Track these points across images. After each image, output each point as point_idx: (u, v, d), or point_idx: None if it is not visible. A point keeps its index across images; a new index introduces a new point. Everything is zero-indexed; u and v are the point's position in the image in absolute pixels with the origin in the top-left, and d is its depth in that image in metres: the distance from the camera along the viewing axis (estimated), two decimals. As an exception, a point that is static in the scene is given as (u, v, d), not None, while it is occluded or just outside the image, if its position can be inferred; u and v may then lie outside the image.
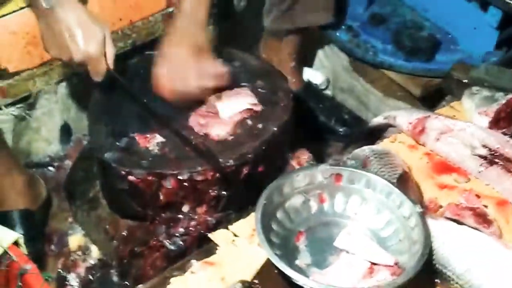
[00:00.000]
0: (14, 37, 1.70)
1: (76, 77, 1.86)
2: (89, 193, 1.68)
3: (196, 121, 1.52)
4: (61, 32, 1.35)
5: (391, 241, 1.21)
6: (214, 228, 1.40)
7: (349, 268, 1.15)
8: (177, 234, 1.49)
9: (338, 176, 1.27)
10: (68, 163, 1.90)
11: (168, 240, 1.50)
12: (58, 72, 1.83)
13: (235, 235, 1.26)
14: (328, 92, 2.17)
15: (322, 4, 1.95)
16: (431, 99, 1.84)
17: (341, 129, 2.04)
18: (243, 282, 1.11)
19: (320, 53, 2.19)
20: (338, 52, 2.14)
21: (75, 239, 1.72)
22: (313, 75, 2.14)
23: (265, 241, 1.14)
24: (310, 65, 2.19)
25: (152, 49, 1.83)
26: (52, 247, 1.74)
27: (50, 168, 1.92)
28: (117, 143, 1.48)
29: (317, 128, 2.05)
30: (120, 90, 1.51)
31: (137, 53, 1.84)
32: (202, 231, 1.46)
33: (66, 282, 1.62)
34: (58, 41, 1.36)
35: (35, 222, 1.70)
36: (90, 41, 1.36)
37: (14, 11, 1.68)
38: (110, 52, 1.41)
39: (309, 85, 2.11)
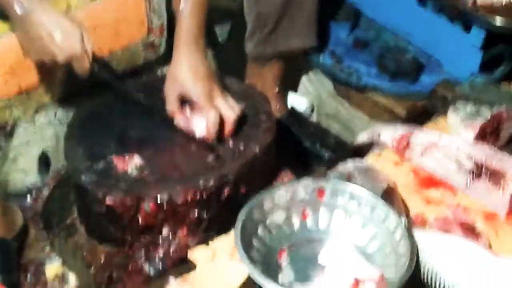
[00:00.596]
0: (-12, 68, 1.67)
1: (55, 106, 1.83)
2: (66, 220, 1.63)
3: None
4: (39, 35, 1.35)
5: (377, 256, 1.17)
6: (195, 251, 1.36)
7: (333, 283, 1.10)
8: (156, 258, 1.44)
9: (321, 191, 1.23)
10: (47, 193, 1.85)
11: (147, 264, 1.45)
12: (36, 101, 1.79)
13: (215, 252, 1.21)
14: (313, 118, 2.15)
15: (304, 29, 1.93)
16: (417, 120, 1.80)
17: (326, 154, 2.00)
18: (221, 299, 1.05)
19: (304, 79, 2.17)
20: (322, 77, 2.12)
21: (52, 268, 1.66)
22: (297, 101, 2.11)
23: (245, 256, 1.09)
24: (294, 91, 2.16)
25: (133, 77, 1.83)
26: (28, 277, 1.67)
27: (28, 199, 1.86)
28: (94, 166, 1.44)
29: (301, 154, 2.01)
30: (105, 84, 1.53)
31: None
32: (182, 254, 1.41)
33: (42, 312, 1.56)
34: (38, 45, 1.37)
35: (11, 252, 1.64)
36: (70, 40, 1.36)
37: (-10, 41, 1.65)
38: (89, 46, 1.41)
39: (293, 110, 2.08)
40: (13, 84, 1.70)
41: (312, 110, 2.16)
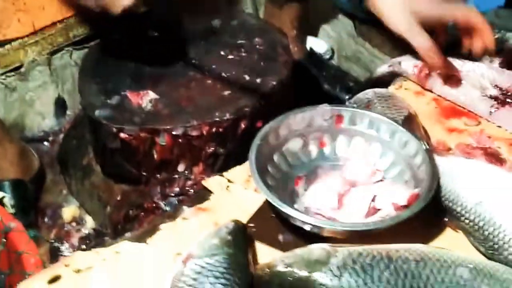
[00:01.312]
0: (3, 3, 1.64)
1: (71, 47, 1.81)
2: (83, 160, 1.61)
3: None
4: None
5: (396, 183, 1.13)
6: (211, 188, 1.33)
7: (352, 206, 1.07)
8: (172, 195, 1.42)
9: (339, 117, 1.19)
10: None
11: (163, 201, 1.43)
12: (52, 42, 1.77)
13: (230, 181, 1.18)
14: (333, 61, 2.10)
15: None
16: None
17: (346, 97, 1.96)
18: (236, 221, 1.02)
19: (323, 22, 2.12)
20: (343, 19, 2.07)
21: (69, 211, 1.65)
22: (317, 43, 2.07)
23: (259, 181, 1.06)
24: (313, 34, 2.11)
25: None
26: (45, 219, 1.66)
27: (45, 143, 1.85)
28: (108, 101, 1.42)
29: (321, 97, 1.96)
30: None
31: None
32: (199, 191, 1.39)
33: (59, 252, 1.55)
34: None
35: (27, 194, 1.63)
36: None
37: (2, -23, 1.62)
38: None
39: (312, 53, 2.03)
40: (27, 23, 1.68)
41: (332, 53, 2.11)
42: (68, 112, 1.88)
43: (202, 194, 1.17)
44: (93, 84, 1.46)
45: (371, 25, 1.98)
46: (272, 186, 1.10)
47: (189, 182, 1.42)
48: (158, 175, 1.43)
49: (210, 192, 1.16)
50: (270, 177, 1.12)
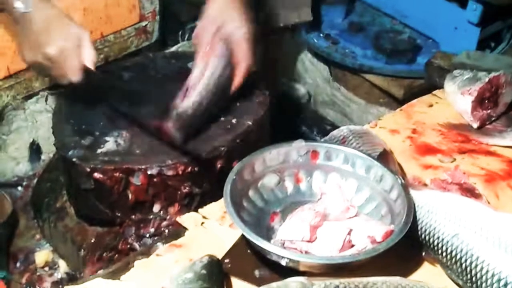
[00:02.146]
0: (-23, 48, 1.64)
1: (46, 92, 1.80)
2: (56, 203, 1.59)
3: None
4: (38, 31, 1.30)
5: (373, 218, 1.12)
6: (186, 228, 1.31)
7: (327, 241, 1.05)
8: (147, 235, 1.40)
9: (315, 153, 1.19)
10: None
11: (138, 242, 1.40)
12: (26, 87, 1.75)
13: (205, 218, 1.17)
14: (310, 105, 2.11)
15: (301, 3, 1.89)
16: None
17: (322, 139, 1.96)
18: (211, 256, 1.01)
19: (300, 67, 2.14)
20: (318, 63, 2.09)
21: (42, 255, 1.62)
22: (294, 88, 2.08)
23: (234, 214, 1.05)
24: (290, 78, 2.13)
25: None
26: (17, 264, 1.63)
27: (18, 187, 1.82)
28: (82, 141, 1.40)
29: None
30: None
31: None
32: (174, 232, 1.37)
33: (31, 297, 1.52)
34: (34, 42, 1.31)
35: (-1, 238, 1.60)
36: (66, 35, 1.31)
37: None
38: (89, 53, 1.35)
39: (289, 97, 2.05)
40: (2, 66, 1.68)
41: (309, 98, 2.12)
42: (42, 157, 1.86)
43: (177, 231, 1.15)
44: (67, 125, 1.45)
45: (346, 70, 2.01)
46: (247, 221, 1.08)
47: (165, 223, 1.40)
48: (133, 216, 1.40)
49: (185, 228, 1.14)
50: (246, 212, 1.11)
